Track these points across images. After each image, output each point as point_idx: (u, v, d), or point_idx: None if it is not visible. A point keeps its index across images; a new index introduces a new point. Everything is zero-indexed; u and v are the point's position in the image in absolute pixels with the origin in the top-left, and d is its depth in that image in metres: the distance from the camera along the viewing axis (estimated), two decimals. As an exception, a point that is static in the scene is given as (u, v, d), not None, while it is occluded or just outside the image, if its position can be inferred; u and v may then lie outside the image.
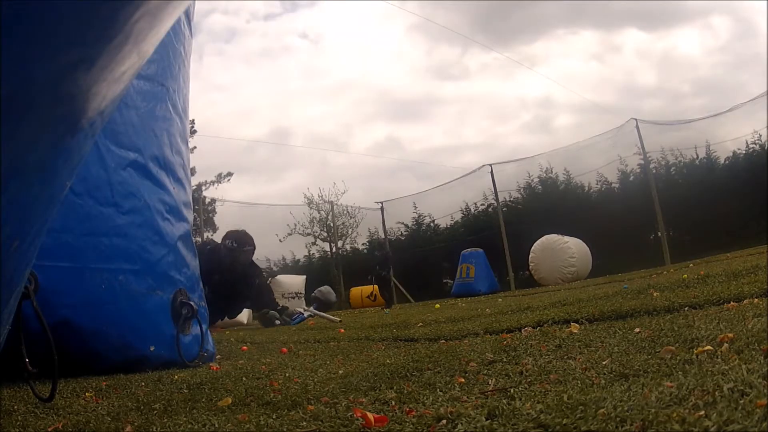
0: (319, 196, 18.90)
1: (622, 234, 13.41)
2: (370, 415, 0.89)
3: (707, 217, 12.81)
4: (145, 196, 2.21)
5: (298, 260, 20.31)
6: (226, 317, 6.22)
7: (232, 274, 5.73)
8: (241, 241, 5.88)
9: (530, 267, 12.11)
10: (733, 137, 13.63)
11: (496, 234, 13.78)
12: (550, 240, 11.63)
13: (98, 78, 0.64)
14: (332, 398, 1.15)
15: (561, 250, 11.32)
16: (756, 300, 1.77)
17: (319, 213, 18.97)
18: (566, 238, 11.51)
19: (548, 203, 15.65)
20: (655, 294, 2.53)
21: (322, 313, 6.30)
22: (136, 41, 0.65)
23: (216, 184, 24.71)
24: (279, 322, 6.03)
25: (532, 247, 11.93)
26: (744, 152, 13.83)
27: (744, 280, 2.40)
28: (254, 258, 6.31)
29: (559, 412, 0.77)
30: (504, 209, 15.41)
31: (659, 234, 11.91)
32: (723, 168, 14.09)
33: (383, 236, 17.14)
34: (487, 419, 0.82)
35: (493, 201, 15.79)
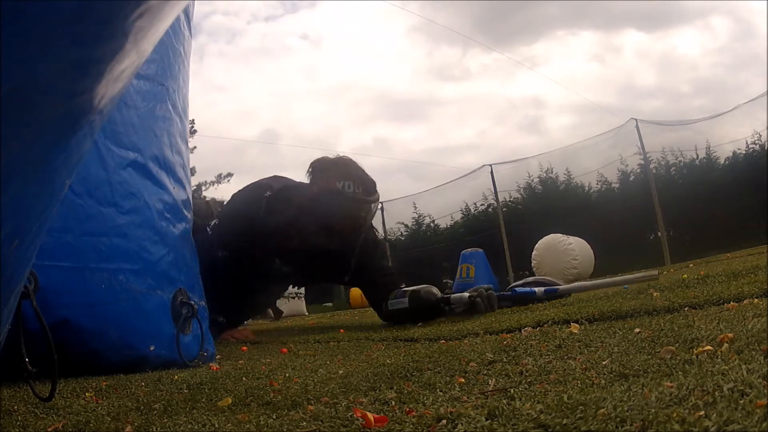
0: (319, 196, 18.90)
1: (622, 234, 13.42)
2: (370, 415, 0.89)
3: (707, 217, 12.82)
4: (145, 196, 2.21)
5: (298, 260, 20.31)
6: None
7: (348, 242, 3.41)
8: (368, 188, 3.37)
9: (533, 265, 12.09)
10: (733, 138, 13.67)
11: (496, 234, 13.80)
12: (553, 239, 11.59)
13: (97, 77, 0.64)
14: (332, 398, 1.15)
15: (564, 252, 11.28)
16: (756, 300, 1.77)
17: (319, 213, 18.98)
18: (570, 239, 11.47)
19: (548, 203, 15.65)
20: (655, 294, 2.52)
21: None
22: (136, 40, 0.65)
23: (216, 185, 24.77)
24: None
25: (536, 246, 11.91)
26: (744, 153, 13.85)
27: (744, 280, 2.39)
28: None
29: (559, 412, 0.77)
30: (504, 209, 15.42)
31: (659, 234, 11.92)
32: (723, 168, 14.10)
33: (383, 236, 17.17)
34: (487, 419, 0.81)
35: (492, 201, 15.80)
